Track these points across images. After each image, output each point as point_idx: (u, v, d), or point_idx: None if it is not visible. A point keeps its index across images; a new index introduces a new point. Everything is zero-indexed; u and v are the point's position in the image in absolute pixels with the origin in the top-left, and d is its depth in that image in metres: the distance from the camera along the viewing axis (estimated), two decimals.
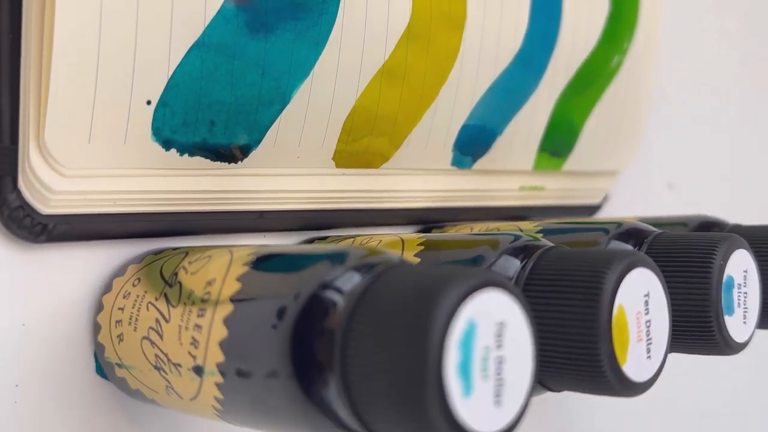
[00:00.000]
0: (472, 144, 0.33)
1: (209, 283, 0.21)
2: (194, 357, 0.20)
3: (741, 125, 0.52)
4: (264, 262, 0.21)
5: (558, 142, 0.37)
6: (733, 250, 0.25)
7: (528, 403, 0.17)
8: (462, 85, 0.31)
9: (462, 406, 0.16)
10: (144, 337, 0.22)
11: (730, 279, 0.25)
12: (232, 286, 0.20)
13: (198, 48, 0.23)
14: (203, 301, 0.21)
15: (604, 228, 0.28)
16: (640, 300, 0.21)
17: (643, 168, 0.45)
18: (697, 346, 0.26)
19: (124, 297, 0.23)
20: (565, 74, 0.36)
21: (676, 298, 0.25)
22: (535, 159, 0.36)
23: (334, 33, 0.27)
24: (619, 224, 0.29)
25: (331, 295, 0.18)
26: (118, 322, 0.23)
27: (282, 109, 0.26)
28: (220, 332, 0.20)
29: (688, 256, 0.26)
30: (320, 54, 0.26)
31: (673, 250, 0.26)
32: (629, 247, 0.27)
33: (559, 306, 0.21)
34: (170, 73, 0.23)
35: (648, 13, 0.39)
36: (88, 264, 0.24)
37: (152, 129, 0.23)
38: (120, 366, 0.23)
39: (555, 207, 0.39)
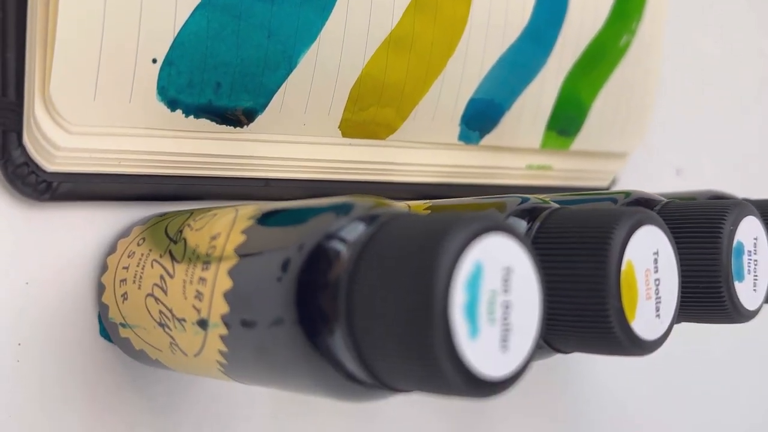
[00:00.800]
0: (480, 118, 0.33)
1: (214, 238, 0.21)
2: (198, 310, 0.20)
3: (753, 110, 0.52)
4: (269, 215, 0.20)
5: (566, 120, 0.37)
6: (743, 217, 0.25)
7: (534, 350, 0.17)
8: (470, 58, 0.31)
9: (468, 348, 0.16)
10: (148, 294, 0.22)
11: (740, 245, 0.25)
12: (237, 239, 0.20)
13: (204, 7, 0.23)
14: (208, 255, 0.20)
15: (612, 198, 0.28)
16: (650, 257, 0.21)
17: (653, 153, 0.45)
18: (708, 313, 0.25)
19: (128, 257, 0.23)
20: (574, 51, 0.36)
21: (686, 265, 0.24)
22: (543, 137, 0.36)
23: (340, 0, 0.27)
24: (627, 194, 0.28)
25: (335, 244, 0.18)
26: (123, 281, 0.23)
27: (288, 74, 0.26)
28: (225, 283, 0.19)
29: (698, 222, 0.25)
30: (327, 19, 0.26)
31: (683, 217, 0.26)
32: None
33: (567, 263, 0.21)
34: (176, 32, 0.23)
35: None
36: (93, 224, 0.24)
37: (157, 88, 0.23)
38: (124, 326, 0.23)
39: (562, 187, 0.39)
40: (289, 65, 0.26)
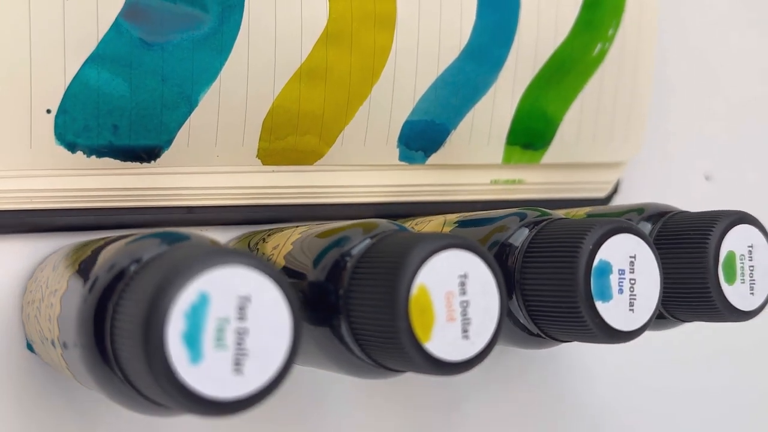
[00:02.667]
0: (421, 139, 0.34)
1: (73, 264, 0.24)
2: (51, 331, 0.23)
3: None
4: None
5: (530, 134, 0.36)
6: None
7: (282, 374, 0.19)
8: (399, 83, 0.32)
9: (188, 372, 0.18)
10: (35, 315, 0.25)
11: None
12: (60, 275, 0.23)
13: (93, 60, 0.26)
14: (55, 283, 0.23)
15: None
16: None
17: (675, 159, 0.44)
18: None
19: (35, 281, 0.26)
20: (532, 66, 0.36)
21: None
22: (504, 152, 0.36)
23: (240, 39, 0.29)
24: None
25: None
26: (30, 302, 0.26)
27: (189, 112, 0.28)
28: (56, 309, 0.22)
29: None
30: (226, 59, 0.29)
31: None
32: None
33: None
34: (67, 84, 0.26)
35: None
36: (15, 253, 0.27)
37: (55, 134, 0.26)
38: (33, 342, 0.27)
39: (542, 200, 0.39)
40: (190, 104, 0.28)
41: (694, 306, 0.28)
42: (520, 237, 0.27)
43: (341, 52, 0.31)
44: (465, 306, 0.22)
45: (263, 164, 0.31)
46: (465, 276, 0.22)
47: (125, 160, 0.28)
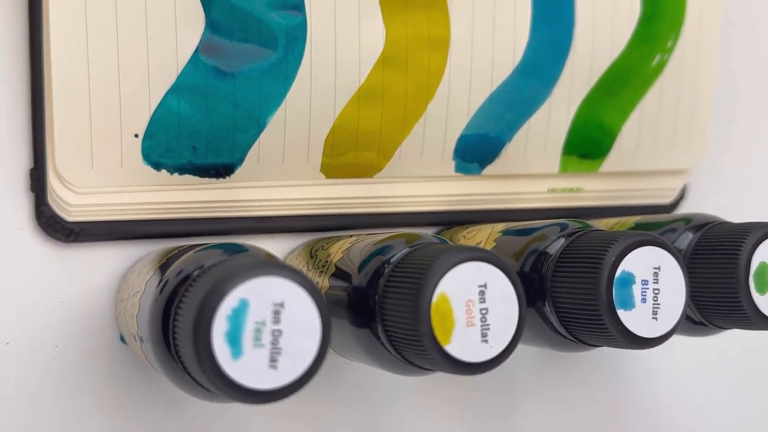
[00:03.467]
0: (475, 152, 0.36)
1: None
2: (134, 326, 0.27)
3: None
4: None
5: (588, 144, 0.38)
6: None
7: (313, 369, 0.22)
8: (453, 100, 0.35)
9: (229, 366, 0.21)
10: (123, 312, 0.29)
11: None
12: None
13: (174, 91, 0.30)
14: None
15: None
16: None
17: (738, 165, 0.44)
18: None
19: (125, 282, 0.31)
20: (588, 79, 0.37)
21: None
22: (561, 162, 0.38)
23: (303, 67, 0.32)
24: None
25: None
26: (120, 300, 0.30)
27: (259, 133, 0.32)
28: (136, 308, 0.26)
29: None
30: (290, 86, 0.32)
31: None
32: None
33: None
34: (152, 112, 0.30)
35: (697, 8, 0.38)
36: (109, 257, 0.32)
37: (143, 155, 0.30)
38: (124, 335, 0.31)
39: (603, 207, 0.40)
40: (258, 126, 0.32)
41: (727, 314, 0.29)
42: (555, 246, 0.29)
43: (397, 74, 0.33)
44: (484, 313, 0.24)
45: (326, 177, 0.34)
46: (485, 286, 0.24)
47: (203, 177, 0.32)
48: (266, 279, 0.21)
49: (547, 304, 0.28)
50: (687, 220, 0.33)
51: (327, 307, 0.22)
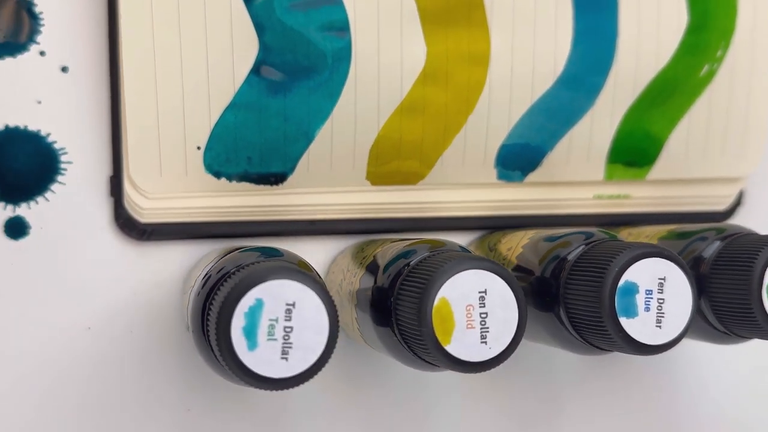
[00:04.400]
0: (517, 160, 0.38)
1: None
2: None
3: None
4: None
5: (633, 153, 0.39)
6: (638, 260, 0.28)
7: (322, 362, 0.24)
8: (494, 112, 0.37)
9: (246, 356, 0.24)
10: (184, 305, 0.33)
11: None
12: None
13: (231, 108, 0.34)
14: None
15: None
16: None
17: None
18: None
19: (189, 277, 0.34)
20: (632, 91, 0.38)
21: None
22: (606, 170, 0.39)
23: (348, 85, 0.35)
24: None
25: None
26: (184, 293, 0.34)
27: (308, 145, 0.35)
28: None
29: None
30: (336, 102, 0.35)
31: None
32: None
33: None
34: (212, 127, 0.34)
35: (749, 17, 0.39)
36: (178, 254, 0.36)
37: (204, 165, 0.34)
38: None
39: (653, 214, 0.41)
40: (308, 139, 0.35)
41: (744, 323, 0.30)
42: (574, 254, 0.30)
43: (438, 88, 0.36)
44: (484, 317, 0.26)
45: (372, 185, 0.37)
46: (485, 292, 0.26)
47: (258, 184, 0.35)
48: (280, 281, 0.24)
49: (561, 309, 0.30)
50: (720, 230, 0.34)
51: (335, 307, 0.25)
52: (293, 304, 0.25)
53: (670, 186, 0.41)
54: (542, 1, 0.36)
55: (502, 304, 0.26)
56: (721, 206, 0.42)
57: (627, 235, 0.39)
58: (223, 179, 0.35)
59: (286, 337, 0.24)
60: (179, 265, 0.36)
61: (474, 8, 0.36)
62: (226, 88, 0.34)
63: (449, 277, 0.26)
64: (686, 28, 0.38)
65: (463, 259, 0.26)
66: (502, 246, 0.35)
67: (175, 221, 0.35)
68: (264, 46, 0.34)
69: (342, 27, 0.34)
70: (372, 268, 0.31)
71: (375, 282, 0.30)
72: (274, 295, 0.24)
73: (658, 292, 0.28)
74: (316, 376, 0.25)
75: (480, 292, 0.26)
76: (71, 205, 0.35)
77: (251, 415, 0.37)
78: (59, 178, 0.35)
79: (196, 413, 0.37)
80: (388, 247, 0.32)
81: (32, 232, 0.34)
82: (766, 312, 0.29)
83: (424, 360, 0.28)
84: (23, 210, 0.34)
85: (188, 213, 0.35)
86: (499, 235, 0.37)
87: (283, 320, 0.25)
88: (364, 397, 0.38)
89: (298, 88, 0.34)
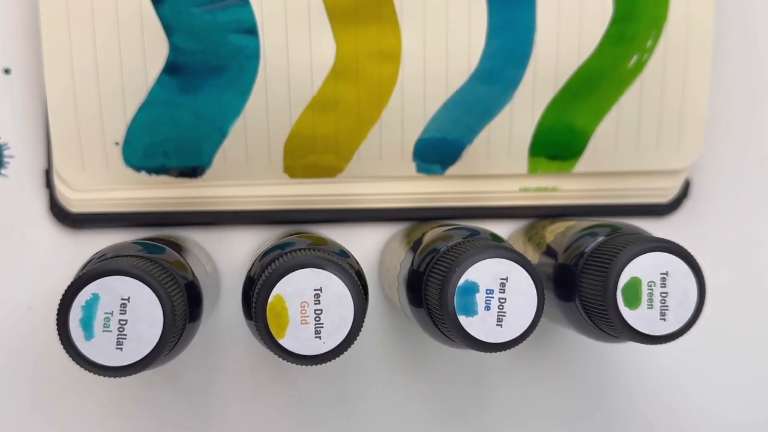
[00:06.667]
0: (435, 153, 0.38)
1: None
2: None
3: None
4: None
5: (556, 146, 0.39)
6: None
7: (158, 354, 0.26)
8: (408, 107, 0.37)
9: (83, 345, 0.26)
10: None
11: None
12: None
13: (145, 106, 0.36)
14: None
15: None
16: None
17: (742, 162, 0.42)
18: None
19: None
20: (554, 83, 0.38)
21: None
22: (529, 163, 0.39)
23: (258, 82, 0.36)
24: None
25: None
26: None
27: (222, 140, 0.37)
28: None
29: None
30: (247, 99, 0.36)
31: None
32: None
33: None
34: (128, 124, 0.36)
35: (683, 4, 0.37)
36: (109, 239, 0.38)
37: (123, 159, 0.37)
38: None
39: (586, 206, 0.40)
40: (221, 134, 0.36)
41: (608, 325, 0.30)
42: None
43: (348, 84, 0.37)
44: (319, 313, 0.27)
45: (290, 177, 0.38)
46: (320, 289, 0.27)
47: (177, 177, 0.37)
48: (116, 278, 0.26)
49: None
50: (614, 228, 0.33)
51: (171, 302, 0.27)
52: (128, 299, 0.27)
53: (601, 178, 0.40)
54: None
55: (338, 300, 0.27)
56: (664, 198, 0.41)
57: (549, 225, 0.39)
58: (143, 173, 0.37)
59: (121, 329, 0.27)
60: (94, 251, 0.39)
61: (383, 5, 0.36)
62: (139, 87, 0.36)
63: (284, 275, 0.27)
64: (611, 18, 0.37)
65: (297, 258, 0.27)
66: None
67: (104, 211, 0.38)
68: (174, 47, 0.35)
69: (249, 27, 0.36)
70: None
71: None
72: (110, 290, 0.27)
73: (500, 292, 0.28)
74: None
75: (316, 290, 0.27)
76: (13, 195, 0.38)
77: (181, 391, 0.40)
78: (2, 170, 0.38)
79: (130, 385, 0.40)
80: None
81: None
82: (621, 315, 0.29)
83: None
84: None
85: (115, 203, 0.38)
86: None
87: (118, 313, 0.27)
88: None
89: (209, 87, 0.36)
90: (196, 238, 0.39)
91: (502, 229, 0.41)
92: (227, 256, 0.40)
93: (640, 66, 0.38)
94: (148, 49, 0.35)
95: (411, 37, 0.37)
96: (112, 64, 0.35)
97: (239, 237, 0.39)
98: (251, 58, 0.36)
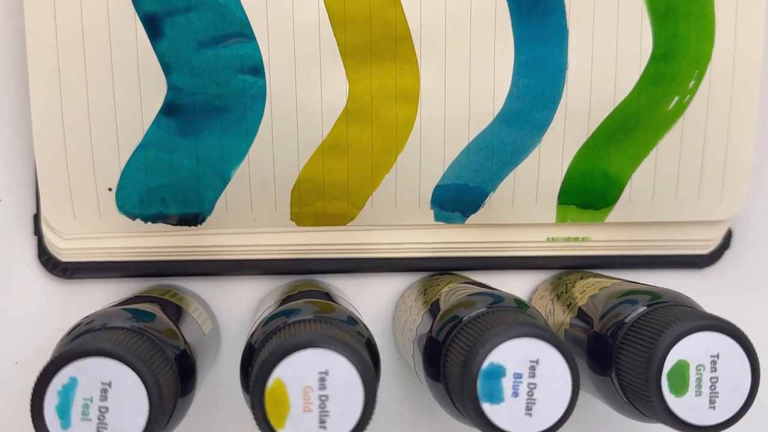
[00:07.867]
0: (455, 201, 0.35)
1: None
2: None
3: None
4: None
5: (589, 194, 0.35)
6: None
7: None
8: (426, 151, 0.34)
9: None
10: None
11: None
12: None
13: (141, 149, 0.33)
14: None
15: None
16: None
17: None
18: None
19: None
20: (586, 127, 0.35)
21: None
22: (558, 212, 0.36)
23: (264, 124, 0.33)
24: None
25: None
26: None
27: (224, 186, 0.34)
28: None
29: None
30: (252, 142, 0.33)
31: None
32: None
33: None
34: (122, 168, 0.33)
35: (728, 43, 0.34)
36: (103, 292, 0.36)
37: (117, 206, 0.34)
38: None
39: (619, 257, 0.37)
40: (223, 179, 0.34)
41: (646, 406, 0.27)
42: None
43: (362, 127, 0.34)
44: (324, 400, 0.24)
45: (297, 225, 0.35)
46: (326, 372, 0.24)
47: (176, 225, 0.34)
48: (95, 359, 0.24)
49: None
50: (654, 295, 0.30)
51: (158, 386, 0.24)
52: (109, 384, 0.24)
53: (636, 228, 0.37)
54: (478, 32, 0.33)
55: (346, 384, 0.24)
56: (704, 250, 0.38)
57: (579, 279, 0.36)
58: (138, 220, 0.34)
59: (101, 418, 0.24)
60: (103, 302, 0.36)
61: (401, 41, 0.33)
62: (134, 129, 0.33)
63: (283, 358, 0.24)
64: (650, 56, 0.34)
65: (298, 338, 0.24)
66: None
67: (97, 260, 0.35)
68: (172, 86, 0.33)
69: (255, 64, 0.33)
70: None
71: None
72: (89, 373, 0.24)
73: (529, 376, 0.25)
74: None
75: (321, 373, 0.24)
76: (0, 241, 0.35)
77: None
78: None
79: None
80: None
81: None
82: (666, 403, 0.25)
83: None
84: None
85: (108, 252, 0.35)
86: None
87: (98, 400, 0.24)
88: None
89: (210, 129, 0.33)
90: (196, 289, 0.36)
91: (527, 281, 0.38)
92: (229, 308, 0.37)
93: (681, 108, 0.35)
94: (144, 88, 0.33)
95: (430, 76, 0.33)
96: (105, 104, 0.33)
97: (242, 287, 0.36)
98: (257, 98, 0.33)
